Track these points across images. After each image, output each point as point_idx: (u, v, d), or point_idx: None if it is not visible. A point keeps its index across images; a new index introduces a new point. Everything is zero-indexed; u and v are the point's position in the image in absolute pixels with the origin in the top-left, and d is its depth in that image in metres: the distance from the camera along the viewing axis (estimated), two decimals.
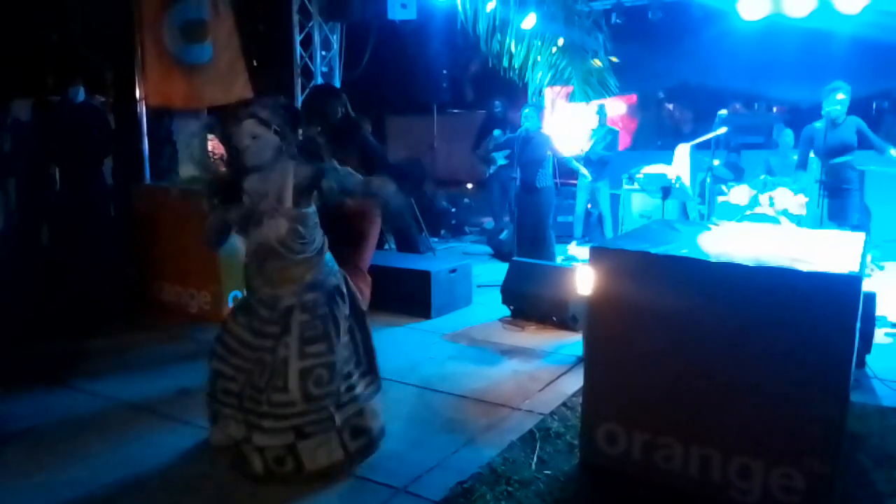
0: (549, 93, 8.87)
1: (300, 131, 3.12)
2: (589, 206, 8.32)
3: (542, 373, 4.31)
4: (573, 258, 7.32)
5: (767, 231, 4.32)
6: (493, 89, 9.53)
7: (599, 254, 3.06)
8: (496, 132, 8.03)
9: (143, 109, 6.25)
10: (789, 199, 6.72)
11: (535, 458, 3.18)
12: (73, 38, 8.55)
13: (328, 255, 3.08)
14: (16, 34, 8.88)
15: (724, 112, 6.73)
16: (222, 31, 6.53)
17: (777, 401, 2.66)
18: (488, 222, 9.39)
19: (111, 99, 7.48)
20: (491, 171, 8.46)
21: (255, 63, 10.63)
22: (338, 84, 7.04)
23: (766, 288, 2.67)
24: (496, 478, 3.00)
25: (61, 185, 6.37)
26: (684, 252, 2.97)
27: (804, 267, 2.67)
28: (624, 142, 10.76)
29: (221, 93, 6.50)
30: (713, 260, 2.85)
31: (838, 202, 5.78)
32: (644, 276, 2.93)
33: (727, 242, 3.26)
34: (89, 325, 5.05)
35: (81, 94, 6.23)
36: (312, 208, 3.00)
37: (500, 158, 7.65)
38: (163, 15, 6.15)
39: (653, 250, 2.98)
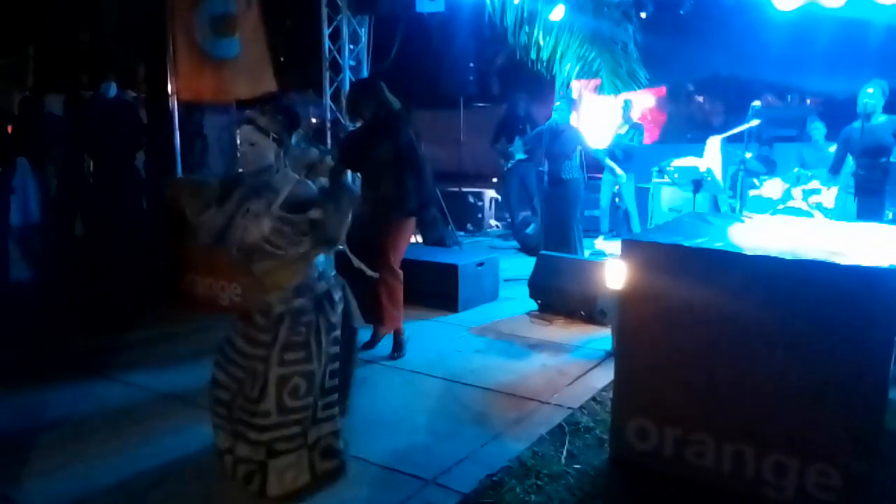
0: (575, 85, 8.79)
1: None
2: (616, 199, 8.24)
3: (571, 367, 4.29)
4: (601, 253, 7.27)
5: (803, 224, 4.24)
6: (519, 82, 9.46)
7: (631, 247, 3.02)
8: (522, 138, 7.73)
9: (174, 104, 6.32)
10: (823, 192, 6.59)
11: (564, 453, 3.17)
12: (105, 34, 8.70)
13: (320, 259, 2.93)
14: (50, 31, 9.07)
15: (757, 104, 6.57)
16: (250, 25, 6.58)
17: (814, 397, 2.61)
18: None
19: (143, 94, 7.58)
20: (509, 165, 8.41)
21: (282, 58, 10.72)
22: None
23: (803, 282, 2.62)
24: (526, 471, 3.00)
25: (95, 179, 6.48)
26: (719, 245, 2.92)
27: (843, 260, 2.61)
28: (653, 135, 10.63)
29: (250, 87, 6.54)
30: (749, 253, 2.79)
31: (869, 202, 5.66)
32: (677, 270, 2.88)
33: (762, 236, 3.21)
34: (123, 318, 5.14)
35: (114, 90, 6.33)
36: (300, 217, 2.83)
37: (519, 153, 7.58)
38: (193, 10, 6.20)
39: (686, 243, 2.94)
